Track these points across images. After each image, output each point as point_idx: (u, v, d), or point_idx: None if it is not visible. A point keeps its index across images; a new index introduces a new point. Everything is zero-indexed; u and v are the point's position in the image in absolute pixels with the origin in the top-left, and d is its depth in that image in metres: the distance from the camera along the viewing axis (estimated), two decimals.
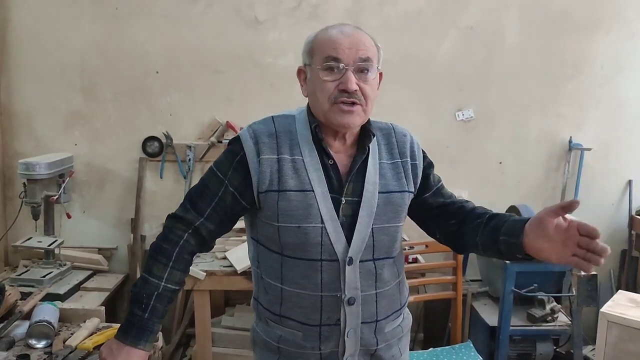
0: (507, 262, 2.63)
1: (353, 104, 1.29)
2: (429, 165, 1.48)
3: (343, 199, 1.32)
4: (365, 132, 1.37)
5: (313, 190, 1.30)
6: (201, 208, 1.35)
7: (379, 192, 1.35)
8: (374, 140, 1.39)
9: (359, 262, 1.32)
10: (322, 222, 1.30)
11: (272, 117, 1.40)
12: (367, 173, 1.35)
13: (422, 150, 1.47)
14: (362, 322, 1.34)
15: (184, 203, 1.38)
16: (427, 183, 1.46)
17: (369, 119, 1.38)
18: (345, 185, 1.33)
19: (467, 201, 1.49)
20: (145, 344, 1.28)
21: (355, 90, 1.28)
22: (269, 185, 1.30)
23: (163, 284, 1.31)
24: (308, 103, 1.39)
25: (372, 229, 1.33)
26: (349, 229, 1.32)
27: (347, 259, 1.31)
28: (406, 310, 1.50)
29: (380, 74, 1.37)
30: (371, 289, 1.35)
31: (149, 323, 1.29)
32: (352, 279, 1.32)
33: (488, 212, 1.40)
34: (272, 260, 1.36)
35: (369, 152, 1.37)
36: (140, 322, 1.28)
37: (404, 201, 1.39)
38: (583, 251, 1.16)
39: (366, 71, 1.30)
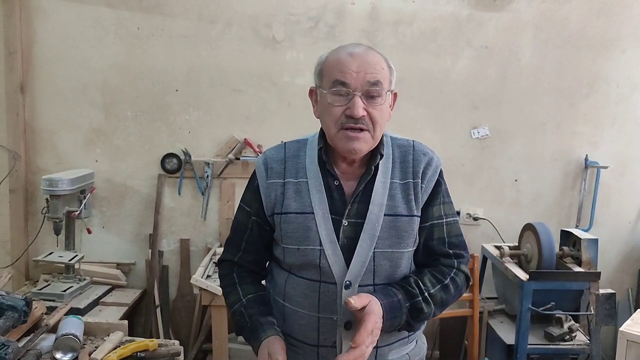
0: (524, 279, 2.63)
1: (360, 130, 1.26)
2: (434, 196, 1.37)
3: (345, 220, 1.30)
4: (375, 152, 1.34)
5: (313, 213, 1.31)
6: (236, 243, 1.44)
7: (385, 215, 1.30)
8: (389, 158, 1.36)
9: (358, 286, 1.29)
10: (321, 244, 1.29)
11: (285, 143, 1.43)
12: (373, 193, 1.31)
13: (439, 178, 1.38)
14: None
15: (224, 246, 1.50)
16: (427, 211, 1.36)
17: (381, 139, 1.35)
18: (348, 207, 1.31)
19: (446, 266, 1.38)
20: (265, 335, 1.29)
21: (363, 116, 1.25)
22: (274, 208, 1.35)
23: (243, 299, 1.37)
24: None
25: (373, 252, 1.29)
26: (349, 251, 1.29)
27: (345, 282, 1.28)
28: (420, 338, 1.47)
29: (395, 94, 1.36)
30: None
31: (256, 324, 1.33)
32: None
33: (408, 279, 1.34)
34: (279, 277, 1.40)
35: (376, 172, 1.33)
36: (250, 328, 1.33)
37: (411, 227, 1.33)
38: None
39: (375, 96, 1.26)
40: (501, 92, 3.26)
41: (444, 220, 1.38)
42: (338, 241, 1.30)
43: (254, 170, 1.42)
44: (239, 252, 1.44)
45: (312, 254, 1.30)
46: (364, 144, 1.27)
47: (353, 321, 1.27)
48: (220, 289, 2.52)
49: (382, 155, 1.34)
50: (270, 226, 1.39)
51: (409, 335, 1.39)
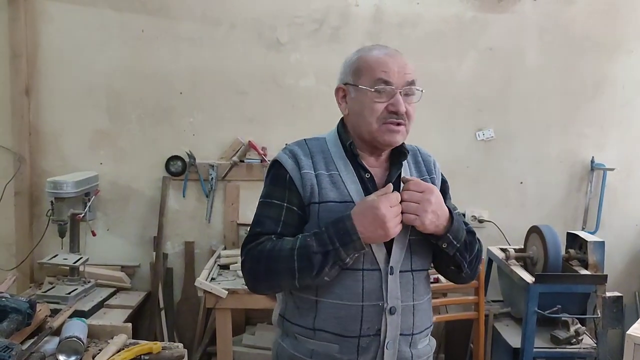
0: (530, 282, 2.62)
1: (399, 124, 1.36)
2: (445, 190, 1.51)
3: None
4: (399, 148, 1.43)
5: (353, 202, 1.34)
6: (271, 234, 1.35)
7: None
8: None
9: (399, 272, 1.35)
10: None
11: (305, 139, 1.46)
12: (401, 186, 1.37)
13: (442, 177, 1.54)
14: (400, 334, 1.36)
15: (246, 240, 1.37)
16: None
17: None
18: None
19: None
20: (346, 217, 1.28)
21: (404, 112, 1.35)
22: (311, 197, 1.36)
23: (299, 235, 1.31)
24: (340, 122, 1.46)
25: (409, 240, 1.37)
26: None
27: (389, 268, 1.34)
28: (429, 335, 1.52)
29: None
30: (409, 300, 1.37)
31: (331, 221, 1.30)
32: (394, 288, 1.34)
33: None
34: None
35: (402, 167, 1.43)
36: (329, 225, 1.29)
37: None
38: None
39: (412, 94, 1.38)
40: (506, 94, 3.25)
41: (456, 212, 1.46)
42: None
43: (276, 164, 1.40)
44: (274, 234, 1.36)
45: None
46: (401, 137, 1.38)
47: (397, 306, 1.34)
48: (225, 291, 2.54)
49: (408, 152, 1.44)
50: (307, 216, 1.37)
51: (430, 326, 1.45)
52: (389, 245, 1.35)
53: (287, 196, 1.37)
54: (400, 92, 1.35)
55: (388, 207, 1.25)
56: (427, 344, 1.45)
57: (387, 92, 1.35)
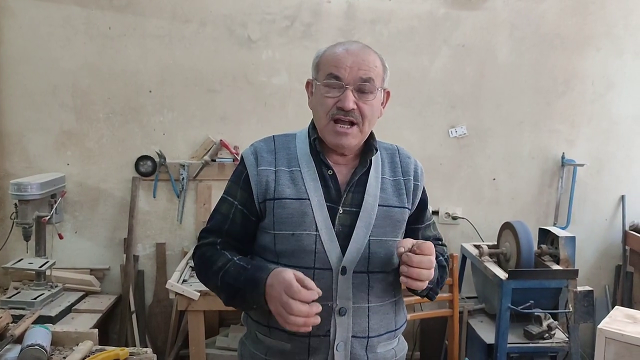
0: (503, 278, 2.63)
1: (351, 123, 1.31)
2: (425, 199, 1.50)
3: (340, 208, 1.33)
4: (369, 146, 1.40)
5: (309, 199, 1.32)
6: (216, 232, 1.40)
7: (378, 205, 1.36)
8: (378, 156, 1.43)
9: (353, 272, 1.32)
10: (317, 230, 1.31)
11: (274, 136, 1.45)
12: (368, 185, 1.36)
13: (424, 189, 1.49)
14: (353, 336, 1.32)
15: (200, 235, 1.44)
16: (420, 215, 1.48)
17: (372, 134, 1.41)
18: (344, 195, 1.34)
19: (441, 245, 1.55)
20: (274, 267, 1.25)
21: (353, 109, 1.30)
22: (266, 194, 1.34)
23: (234, 258, 1.33)
24: (313, 118, 1.43)
25: (368, 240, 1.33)
26: (345, 238, 1.32)
27: (341, 268, 1.30)
28: (402, 337, 1.49)
29: (388, 93, 1.43)
30: (363, 301, 1.33)
31: (258, 265, 1.30)
32: (345, 289, 1.31)
33: None
34: None
35: (370, 166, 1.39)
36: (251, 271, 1.27)
37: (402, 217, 1.39)
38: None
39: (367, 91, 1.32)
40: (479, 91, 3.26)
41: (432, 220, 1.55)
42: (333, 228, 1.32)
43: (240, 160, 1.43)
44: (219, 238, 1.39)
45: (307, 239, 1.30)
46: (352, 139, 1.33)
47: (347, 308, 1.31)
48: (197, 293, 2.49)
49: (376, 149, 1.40)
50: (257, 216, 1.37)
51: (395, 330, 1.40)
52: (343, 246, 1.32)
53: (239, 195, 1.39)
54: (351, 88, 1.30)
55: (298, 305, 1.14)
56: (390, 348, 1.41)
57: (339, 88, 1.31)
